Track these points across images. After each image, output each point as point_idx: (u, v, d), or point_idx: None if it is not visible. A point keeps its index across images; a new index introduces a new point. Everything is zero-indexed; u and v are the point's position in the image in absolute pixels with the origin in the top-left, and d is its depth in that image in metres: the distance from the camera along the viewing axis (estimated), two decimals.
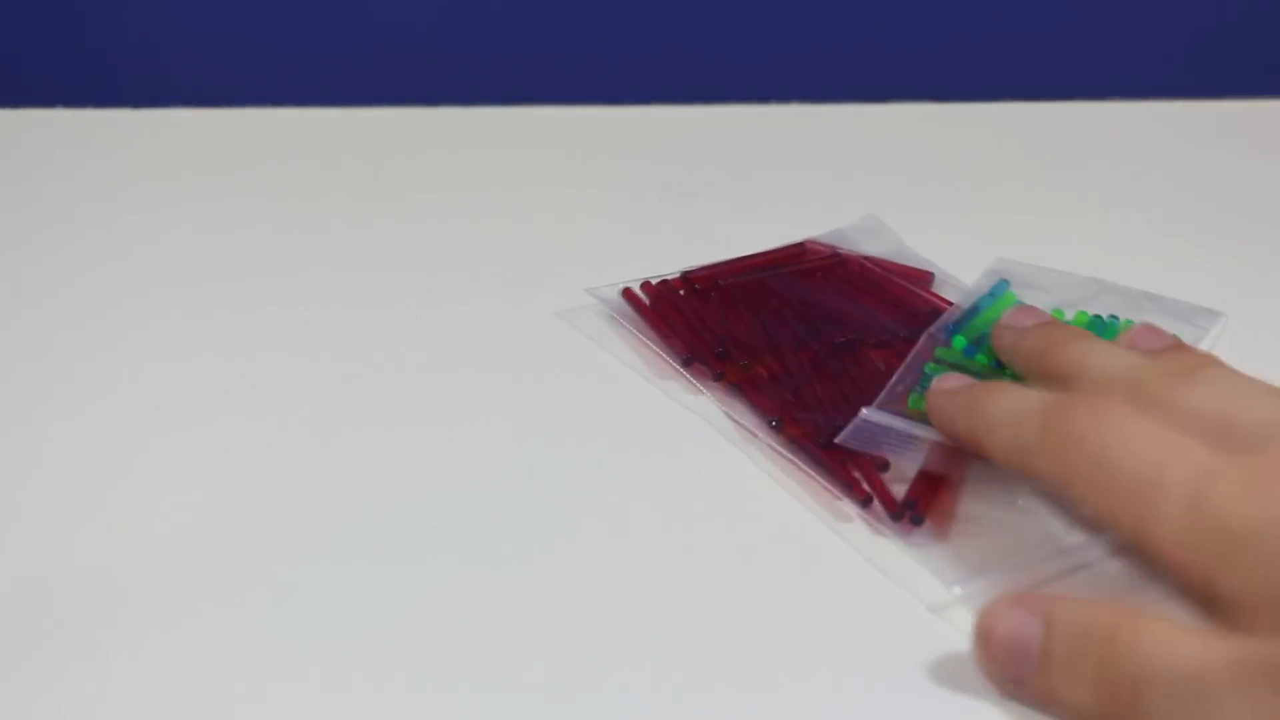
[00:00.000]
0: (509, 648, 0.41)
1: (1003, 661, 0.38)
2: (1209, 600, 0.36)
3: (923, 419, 0.48)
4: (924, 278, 0.59)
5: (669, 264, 0.58)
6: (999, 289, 0.57)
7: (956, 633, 0.40)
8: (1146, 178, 0.67)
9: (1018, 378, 0.49)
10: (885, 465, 0.47)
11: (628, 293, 0.57)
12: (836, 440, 0.47)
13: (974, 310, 0.56)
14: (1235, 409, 0.39)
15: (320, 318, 0.57)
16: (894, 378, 0.50)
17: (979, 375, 0.50)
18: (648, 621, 0.42)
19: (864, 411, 0.47)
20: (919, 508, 0.45)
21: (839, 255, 0.60)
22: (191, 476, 0.48)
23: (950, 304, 0.56)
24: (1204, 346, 0.54)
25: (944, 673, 0.40)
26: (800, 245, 0.61)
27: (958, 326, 0.54)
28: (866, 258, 0.60)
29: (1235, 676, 0.34)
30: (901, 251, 0.60)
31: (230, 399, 0.53)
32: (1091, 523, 0.44)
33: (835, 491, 0.46)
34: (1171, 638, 0.36)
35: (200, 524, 0.46)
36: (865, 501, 0.45)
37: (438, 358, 0.54)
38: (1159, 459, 0.38)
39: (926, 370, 0.51)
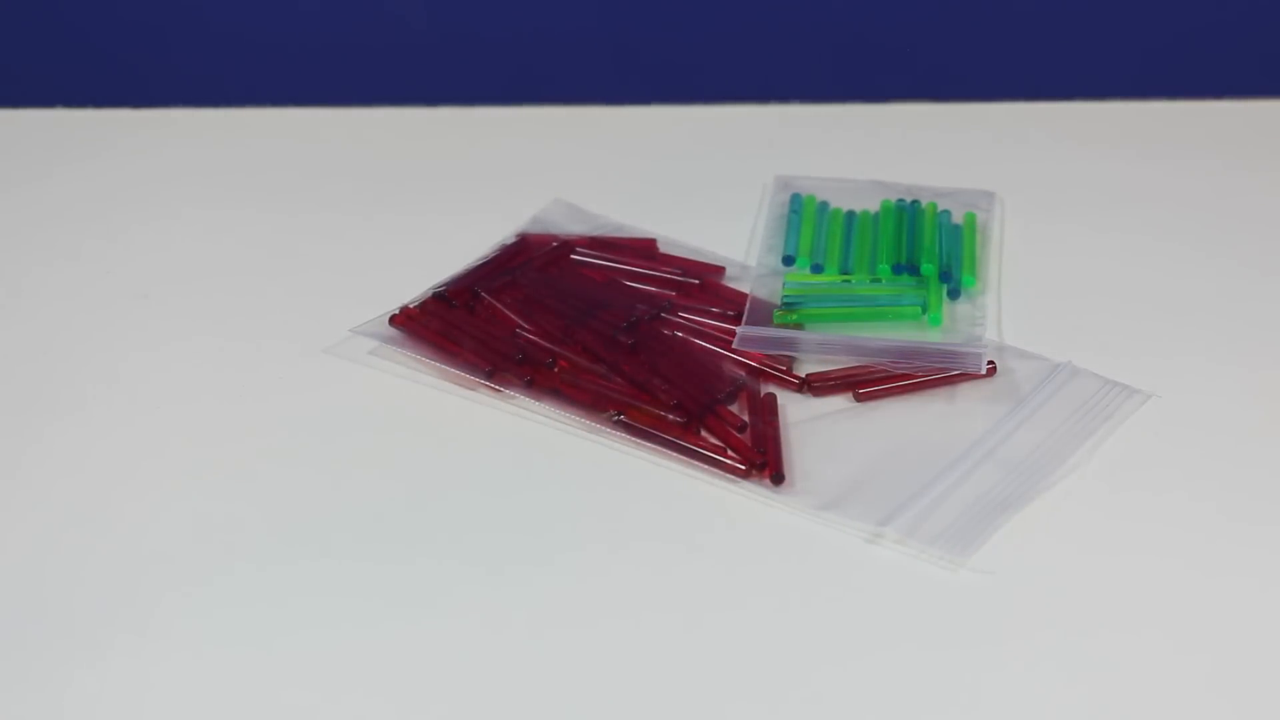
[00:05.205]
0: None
1: None
2: None
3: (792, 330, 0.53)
4: (649, 246, 0.60)
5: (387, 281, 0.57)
6: (796, 202, 0.61)
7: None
8: (1147, 178, 0.67)
9: (865, 284, 0.56)
10: (743, 426, 0.49)
11: (396, 320, 0.55)
12: (735, 345, 0.52)
13: (791, 229, 0.59)
14: None
15: (318, 314, 0.57)
16: (745, 311, 0.54)
17: (827, 288, 0.56)
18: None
19: (740, 330, 0.53)
20: (776, 466, 0.48)
21: (563, 241, 0.60)
22: (191, 476, 0.49)
23: (682, 263, 0.58)
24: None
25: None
26: (521, 239, 0.61)
27: (787, 250, 0.58)
28: (591, 238, 0.60)
29: None
30: (604, 225, 0.62)
31: (229, 398, 0.53)
32: None
33: (711, 468, 0.48)
34: None
35: (200, 524, 0.46)
36: (745, 474, 0.48)
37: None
38: None
39: (785, 294, 0.55)
